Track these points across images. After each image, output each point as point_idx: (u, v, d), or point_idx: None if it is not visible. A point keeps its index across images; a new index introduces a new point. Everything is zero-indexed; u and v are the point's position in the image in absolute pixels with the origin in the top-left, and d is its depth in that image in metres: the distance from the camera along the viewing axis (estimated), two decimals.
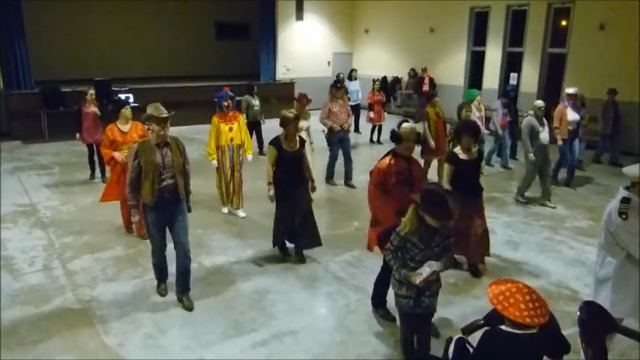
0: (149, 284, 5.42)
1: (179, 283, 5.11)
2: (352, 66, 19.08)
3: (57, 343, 4.40)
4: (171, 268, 5.22)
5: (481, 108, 9.75)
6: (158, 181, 4.77)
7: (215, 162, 7.22)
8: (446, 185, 5.57)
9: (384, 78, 17.37)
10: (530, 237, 7.02)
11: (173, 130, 5.14)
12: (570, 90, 9.59)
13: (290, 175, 5.72)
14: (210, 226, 7.10)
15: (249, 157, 7.44)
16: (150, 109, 4.84)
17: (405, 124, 4.63)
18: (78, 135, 9.16)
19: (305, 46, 18.20)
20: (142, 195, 4.86)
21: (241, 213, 7.54)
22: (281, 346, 4.45)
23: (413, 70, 16.88)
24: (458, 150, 5.68)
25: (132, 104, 13.29)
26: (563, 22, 13.30)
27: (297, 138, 5.84)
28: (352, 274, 5.73)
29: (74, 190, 8.65)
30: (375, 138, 13.02)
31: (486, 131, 10.04)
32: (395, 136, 4.60)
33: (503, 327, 2.65)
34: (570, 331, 3.83)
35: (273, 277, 5.70)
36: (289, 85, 16.78)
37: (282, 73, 17.84)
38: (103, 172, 9.09)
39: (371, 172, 4.75)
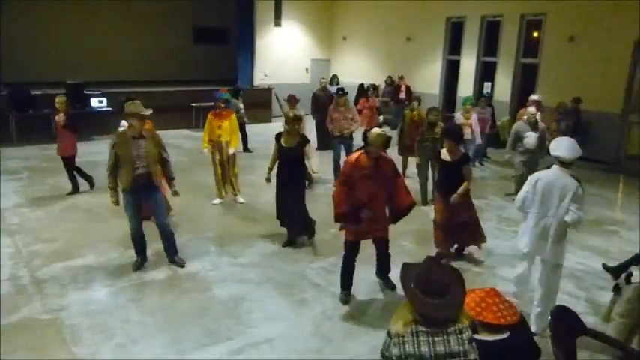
0: (121, 293, 5.32)
1: (168, 250, 5.96)
2: (330, 72, 19.15)
3: (24, 354, 4.26)
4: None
5: (468, 116, 9.89)
6: (132, 170, 5.33)
7: (206, 151, 8.01)
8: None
9: (361, 85, 17.43)
10: (505, 242, 6.98)
11: None
12: (535, 96, 10.30)
13: (284, 166, 6.48)
14: (185, 233, 6.96)
15: (231, 150, 8.02)
16: (132, 107, 5.33)
17: (375, 130, 5.11)
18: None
19: (283, 53, 18.16)
20: (119, 181, 5.46)
21: (240, 199, 8.33)
22: (257, 353, 4.39)
23: (390, 77, 16.98)
24: (443, 151, 6.28)
25: (105, 108, 13.16)
26: (535, 34, 13.57)
27: (298, 136, 6.50)
28: (329, 281, 5.70)
29: (44, 197, 8.41)
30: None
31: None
32: (364, 139, 5.10)
33: (475, 335, 2.62)
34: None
35: (249, 283, 5.64)
36: (267, 90, 16.69)
37: (259, 79, 17.77)
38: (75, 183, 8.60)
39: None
